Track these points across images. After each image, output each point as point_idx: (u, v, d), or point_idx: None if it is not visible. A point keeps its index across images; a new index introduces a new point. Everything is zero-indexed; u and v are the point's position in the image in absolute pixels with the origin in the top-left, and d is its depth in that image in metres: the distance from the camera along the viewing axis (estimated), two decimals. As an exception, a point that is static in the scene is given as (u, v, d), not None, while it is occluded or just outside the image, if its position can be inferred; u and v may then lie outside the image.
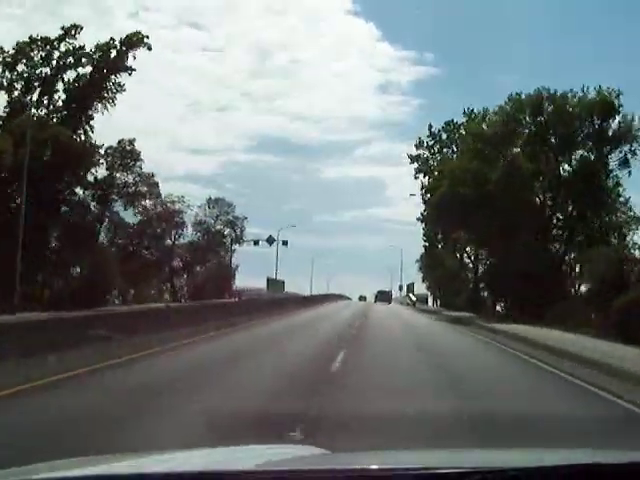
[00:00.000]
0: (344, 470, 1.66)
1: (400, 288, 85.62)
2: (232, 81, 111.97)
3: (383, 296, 70.94)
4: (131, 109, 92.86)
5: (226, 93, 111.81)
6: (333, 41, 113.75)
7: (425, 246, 57.51)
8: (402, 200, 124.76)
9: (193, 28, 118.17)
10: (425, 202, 47.68)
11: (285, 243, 60.80)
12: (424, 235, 55.41)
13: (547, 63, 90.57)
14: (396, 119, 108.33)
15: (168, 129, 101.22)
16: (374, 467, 1.67)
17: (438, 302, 63.31)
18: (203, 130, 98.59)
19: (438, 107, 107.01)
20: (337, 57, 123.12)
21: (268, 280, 61.33)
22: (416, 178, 51.71)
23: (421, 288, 70.61)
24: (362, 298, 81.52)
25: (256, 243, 56.92)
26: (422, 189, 49.76)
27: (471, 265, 50.80)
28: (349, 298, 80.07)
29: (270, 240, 57.14)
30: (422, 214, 50.30)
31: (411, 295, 70.92)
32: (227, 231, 55.77)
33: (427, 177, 50.62)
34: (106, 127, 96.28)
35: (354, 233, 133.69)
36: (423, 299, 65.82)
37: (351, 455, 2.35)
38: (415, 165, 52.67)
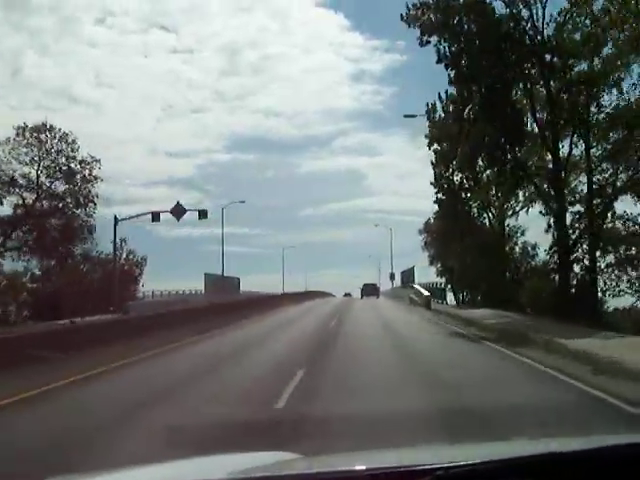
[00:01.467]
0: (319, 473, 1.65)
1: (392, 277, 68.38)
2: (204, 82, 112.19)
3: (369, 289, 62.40)
4: (108, 118, 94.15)
5: (199, 94, 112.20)
6: (303, 34, 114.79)
7: (439, 200, 35.25)
8: (383, 189, 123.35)
9: (161, 30, 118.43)
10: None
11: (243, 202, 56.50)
12: (436, 185, 35.35)
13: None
14: (371, 109, 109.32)
15: (145, 134, 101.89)
16: (349, 469, 1.67)
17: (463, 297, 43.14)
18: (179, 133, 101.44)
19: (412, 94, 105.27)
20: (308, 50, 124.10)
21: (206, 277, 46.30)
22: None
23: (427, 274, 51.01)
24: (347, 295, 74.22)
25: (156, 218, 36.41)
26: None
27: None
28: (331, 295, 74.25)
29: (203, 213, 38.84)
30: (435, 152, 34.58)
31: (418, 287, 43.75)
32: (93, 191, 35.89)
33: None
34: (85, 138, 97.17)
35: (336, 226, 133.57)
36: (437, 294, 41.39)
37: (325, 458, 2.35)
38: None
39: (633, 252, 27.53)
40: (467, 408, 7.67)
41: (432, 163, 36.04)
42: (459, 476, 1.52)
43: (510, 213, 37.17)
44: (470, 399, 8.41)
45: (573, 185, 29.62)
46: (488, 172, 30.48)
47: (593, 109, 26.52)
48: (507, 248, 36.39)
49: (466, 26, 24.24)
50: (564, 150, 27.18)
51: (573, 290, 26.39)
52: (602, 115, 26.38)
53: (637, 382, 9.31)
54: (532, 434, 4.57)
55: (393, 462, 1.78)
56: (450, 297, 42.71)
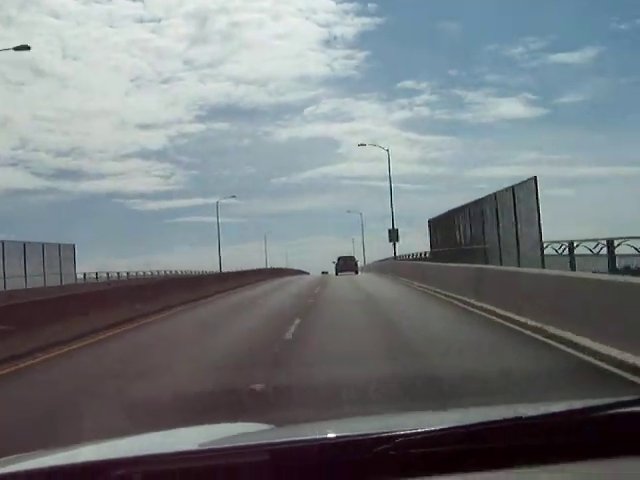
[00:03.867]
0: (290, 442, 1.64)
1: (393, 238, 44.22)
2: (173, 51, 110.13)
3: (346, 264, 51.65)
4: (76, 91, 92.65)
5: (168, 64, 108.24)
6: (272, 0, 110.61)
7: None
8: (357, 155, 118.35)
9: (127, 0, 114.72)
10: None
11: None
12: None
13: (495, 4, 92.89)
14: (343, 74, 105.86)
15: (114, 107, 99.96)
16: (325, 436, 1.68)
17: None
18: (149, 104, 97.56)
19: (385, 58, 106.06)
20: (277, 16, 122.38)
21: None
22: None
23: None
24: (325, 273, 62.62)
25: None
26: None
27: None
28: (305, 272, 66.02)
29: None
30: None
31: None
32: None
33: None
34: (54, 110, 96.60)
35: (312, 194, 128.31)
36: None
37: (298, 427, 2.37)
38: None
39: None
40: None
41: None
42: (419, 443, 1.53)
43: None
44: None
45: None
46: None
47: None
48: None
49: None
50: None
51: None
52: None
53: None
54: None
55: (356, 430, 1.79)
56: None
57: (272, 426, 2.22)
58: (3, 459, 1.87)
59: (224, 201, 61.44)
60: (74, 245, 42.08)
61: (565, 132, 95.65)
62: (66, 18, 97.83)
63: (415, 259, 39.23)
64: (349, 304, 17.87)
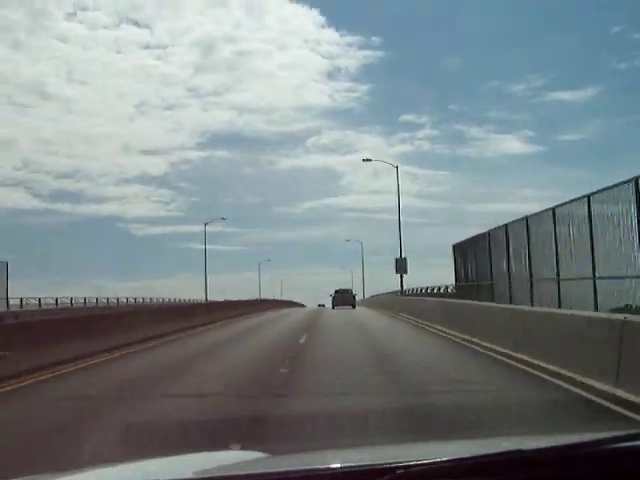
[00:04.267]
0: (288, 472, 1.64)
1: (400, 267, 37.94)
2: (178, 78, 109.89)
3: (343, 297, 49.79)
4: (81, 115, 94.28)
5: (173, 91, 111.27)
6: (278, 30, 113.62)
7: None
8: (359, 187, 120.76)
9: (134, 26, 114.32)
10: None
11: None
12: None
13: (498, 42, 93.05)
14: (346, 106, 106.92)
15: (118, 131, 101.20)
16: (326, 466, 1.66)
17: None
18: (152, 130, 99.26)
19: (387, 91, 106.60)
20: (282, 47, 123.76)
21: None
22: None
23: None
24: (321, 305, 61.33)
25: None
26: None
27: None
28: (300, 305, 65.16)
29: None
30: None
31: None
32: None
33: None
34: (58, 133, 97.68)
35: (311, 225, 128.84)
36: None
37: (296, 457, 2.33)
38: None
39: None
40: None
41: None
42: (419, 475, 1.52)
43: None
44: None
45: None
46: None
47: None
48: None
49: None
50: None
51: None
52: None
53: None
54: None
55: (355, 461, 1.78)
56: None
57: (268, 455, 2.20)
58: None
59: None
60: (7, 263, 36.28)
61: (561, 169, 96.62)
62: (73, 43, 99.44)
63: (425, 294, 34.98)
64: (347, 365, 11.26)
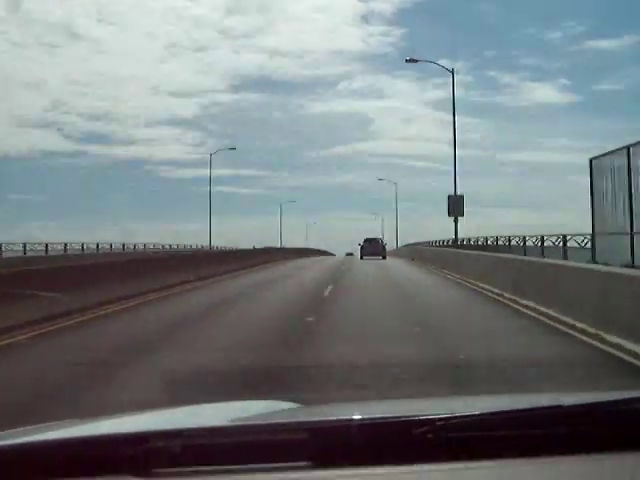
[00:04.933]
0: (330, 421, 1.64)
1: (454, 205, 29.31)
2: (209, 20, 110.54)
3: (372, 247, 45.84)
4: (110, 56, 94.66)
5: (203, 32, 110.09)
6: None
7: None
8: (389, 133, 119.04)
9: None
10: None
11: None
12: None
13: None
14: (379, 51, 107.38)
15: (148, 73, 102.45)
16: (365, 416, 1.65)
17: None
18: (183, 72, 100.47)
19: (422, 36, 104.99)
20: None
21: None
22: None
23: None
24: (349, 254, 59.41)
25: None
26: None
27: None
28: (330, 253, 64.86)
29: None
30: None
31: None
32: None
33: None
34: (88, 74, 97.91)
35: (341, 169, 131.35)
36: None
37: (330, 407, 2.36)
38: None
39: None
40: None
41: None
42: (459, 427, 1.51)
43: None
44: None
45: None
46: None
47: None
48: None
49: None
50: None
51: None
52: None
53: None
54: None
55: (391, 412, 1.78)
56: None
57: (301, 405, 2.22)
58: (31, 427, 1.86)
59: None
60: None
61: (599, 120, 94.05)
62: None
63: (479, 246, 29.38)
64: None
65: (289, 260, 38.73)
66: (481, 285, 16.60)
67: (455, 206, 28.41)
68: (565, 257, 17.82)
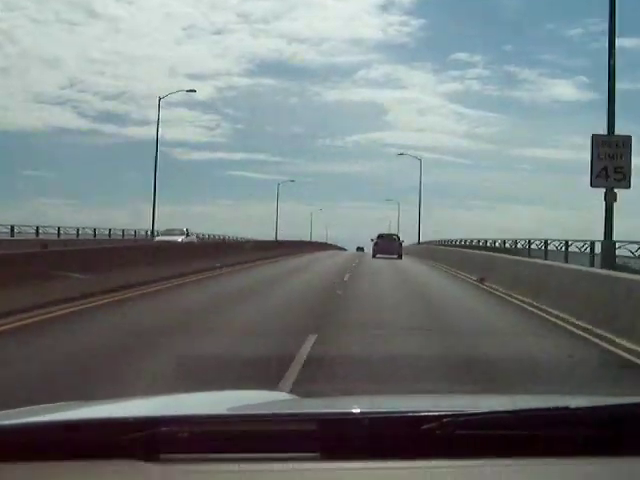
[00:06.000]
0: (340, 413, 1.66)
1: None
2: (227, 3, 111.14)
3: (387, 244, 40.59)
4: (128, 36, 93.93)
5: (222, 15, 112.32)
6: None
7: None
8: (404, 124, 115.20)
9: None
10: None
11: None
12: None
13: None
14: (397, 41, 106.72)
15: (164, 54, 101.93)
16: (374, 410, 1.68)
17: None
18: (200, 54, 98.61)
19: (441, 28, 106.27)
20: None
21: None
22: None
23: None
24: (360, 249, 57.62)
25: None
26: None
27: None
28: (342, 248, 63.96)
29: None
30: None
31: None
32: None
33: None
34: (104, 53, 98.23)
35: (355, 158, 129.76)
36: None
37: (330, 400, 2.37)
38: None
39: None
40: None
41: None
42: (467, 424, 1.52)
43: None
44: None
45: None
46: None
47: None
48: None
49: None
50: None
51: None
52: None
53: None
54: None
55: (400, 407, 1.78)
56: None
57: (297, 397, 2.26)
58: (39, 407, 1.88)
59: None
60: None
61: (618, 120, 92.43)
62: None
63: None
64: None
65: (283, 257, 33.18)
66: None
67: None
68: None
